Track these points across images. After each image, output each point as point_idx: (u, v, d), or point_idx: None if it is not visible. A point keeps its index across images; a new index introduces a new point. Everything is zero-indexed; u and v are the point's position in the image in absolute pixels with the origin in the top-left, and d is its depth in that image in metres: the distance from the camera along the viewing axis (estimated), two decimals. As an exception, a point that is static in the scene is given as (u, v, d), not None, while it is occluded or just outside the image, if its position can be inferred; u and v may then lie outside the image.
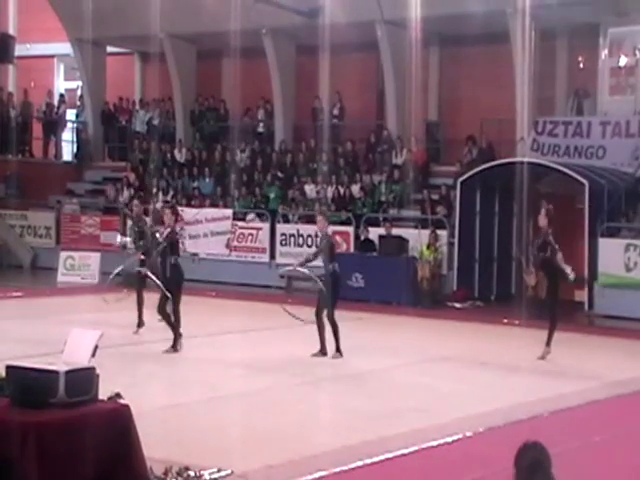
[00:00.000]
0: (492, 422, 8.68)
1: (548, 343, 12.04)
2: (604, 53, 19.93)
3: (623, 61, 19.64)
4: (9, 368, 5.78)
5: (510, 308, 16.13)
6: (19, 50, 26.23)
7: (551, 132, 19.36)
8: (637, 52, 19.42)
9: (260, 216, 21.36)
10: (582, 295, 17.24)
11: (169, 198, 22.96)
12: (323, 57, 21.28)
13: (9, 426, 5.41)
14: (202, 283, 19.32)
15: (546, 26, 20.11)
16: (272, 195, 21.96)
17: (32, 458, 5.28)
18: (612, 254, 16.70)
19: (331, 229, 12.79)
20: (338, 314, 11.99)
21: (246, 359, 11.68)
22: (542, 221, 12.17)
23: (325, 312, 11.91)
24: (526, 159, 17.80)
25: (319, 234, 12.96)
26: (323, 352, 11.95)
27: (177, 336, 12.13)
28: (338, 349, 11.88)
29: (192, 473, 6.60)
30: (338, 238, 12.68)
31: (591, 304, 16.95)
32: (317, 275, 12.20)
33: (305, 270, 12.51)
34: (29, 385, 5.60)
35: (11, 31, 27.32)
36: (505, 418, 8.84)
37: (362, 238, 19.22)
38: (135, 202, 13.74)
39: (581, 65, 21.09)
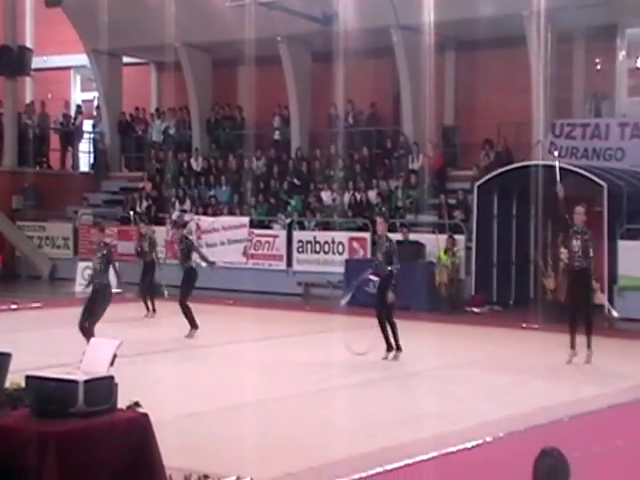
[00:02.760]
0: (512, 427, 8.62)
1: (589, 346, 12.21)
2: (622, 54, 19.82)
3: (641, 62, 19.54)
4: (28, 378, 5.80)
5: (529, 312, 16.05)
6: (36, 62, 26.40)
7: (569, 134, 19.26)
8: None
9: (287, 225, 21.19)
10: (602, 298, 17.09)
11: (186, 207, 23.03)
12: (338, 63, 21.29)
13: (29, 436, 5.42)
14: (219, 291, 19.34)
15: (562, 28, 20.00)
16: (293, 203, 21.94)
17: (52, 468, 5.29)
18: (632, 256, 16.57)
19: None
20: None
21: (264, 367, 11.67)
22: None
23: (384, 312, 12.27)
24: (542, 162, 17.71)
25: (379, 238, 12.96)
26: (389, 349, 12.24)
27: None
28: (398, 347, 12.23)
29: (211, 481, 6.59)
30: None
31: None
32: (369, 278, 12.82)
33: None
34: (48, 395, 5.61)
35: (28, 44, 27.48)
36: (525, 423, 8.78)
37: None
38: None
39: (598, 67, 20.96)
